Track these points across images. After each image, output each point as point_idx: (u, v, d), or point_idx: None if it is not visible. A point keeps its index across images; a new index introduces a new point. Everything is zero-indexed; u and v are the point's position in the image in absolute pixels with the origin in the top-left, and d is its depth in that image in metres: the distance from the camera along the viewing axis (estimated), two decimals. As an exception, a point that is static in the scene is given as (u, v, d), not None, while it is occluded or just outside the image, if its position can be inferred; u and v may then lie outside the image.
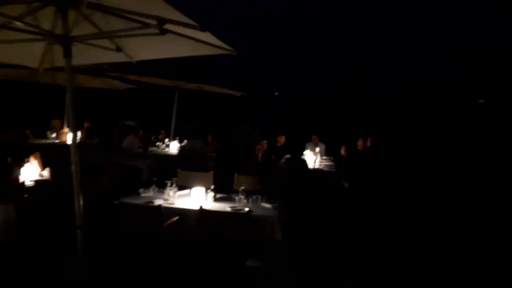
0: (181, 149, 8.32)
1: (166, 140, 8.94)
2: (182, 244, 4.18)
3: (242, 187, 4.82)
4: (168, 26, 2.86)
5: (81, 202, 3.29)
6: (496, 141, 12.22)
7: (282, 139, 9.06)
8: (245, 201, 4.71)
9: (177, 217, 4.31)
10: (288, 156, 7.06)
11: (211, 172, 5.61)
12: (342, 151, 7.59)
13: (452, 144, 13.40)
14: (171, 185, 4.82)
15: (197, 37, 3.17)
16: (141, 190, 4.85)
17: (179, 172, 5.63)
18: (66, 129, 8.84)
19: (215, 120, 11.63)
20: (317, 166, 7.58)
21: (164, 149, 8.68)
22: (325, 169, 7.54)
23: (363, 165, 7.10)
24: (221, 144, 7.96)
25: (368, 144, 8.22)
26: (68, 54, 3.12)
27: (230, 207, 4.51)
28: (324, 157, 8.60)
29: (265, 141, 7.75)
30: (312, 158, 7.67)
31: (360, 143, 8.34)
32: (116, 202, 4.46)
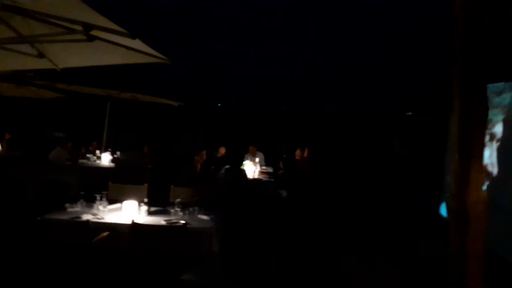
0: (116, 161, 8.05)
1: (97, 152, 8.57)
2: (113, 260, 4.02)
3: (178, 199, 4.76)
4: (96, 33, 2.78)
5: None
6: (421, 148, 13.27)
7: (222, 150, 9.10)
8: (181, 213, 4.65)
9: (107, 233, 4.14)
10: (227, 166, 7.11)
11: (145, 185, 5.46)
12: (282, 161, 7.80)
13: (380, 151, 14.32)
14: (101, 199, 4.63)
15: (128, 45, 3.11)
16: (67, 204, 4.59)
17: (110, 185, 5.41)
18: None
19: (151, 131, 11.36)
20: (256, 176, 7.69)
21: (95, 161, 8.31)
22: (264, 178, 7.67)
23: (300, 174, 7.35)
24: (157, 156, 7.80)
25: (305, 154, 8.55)
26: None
27: (165, 220, 4.42)
28: (264, 167, 8.75)
29: (204, 152, 7.72)
30: (252, 168, 7.78)
31: (298, 153, 8.66)
32: (39, 218, 4.18)
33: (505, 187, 5.51)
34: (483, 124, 2.62)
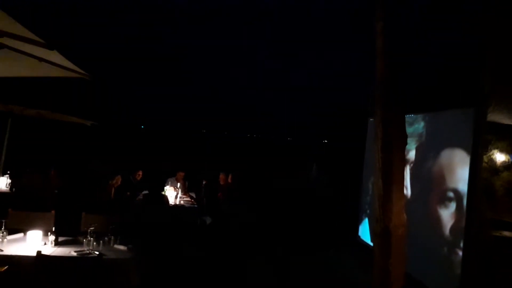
0: (17, 186, 7.30)
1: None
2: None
3: (91, 228, 4.43)
4: (5, 41, 2.55)
5: None
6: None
7: (139, 175, 8.72)
8: (94, 243, 4.33)
9: (5, 267, 3.69)
10: (146, 192, 6.84)
11: (52, 212, 5.01)
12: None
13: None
14: (-1, 228, 4.14)
15: (42, 56, 2.89)
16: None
17: (10, 213, 4.88)
18: None
19: (59, 152, 10.52)
20: (177, 202, 7.49)
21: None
22: (187, 204, 7.50)
23: (224, 200, 7.35)
24: (66, 180, 7.24)
25: (229, 180, 8.58)
26: None
27: (76, 251, 4.09)
28: (186, 193, 8.55)
29: (119, 176, 7.33)
30: (173, 194, 7.56)
31: (222, 177, 8.64)
32: None
33: (416, 208, 6.10)
34: (403, 152, 2.88)
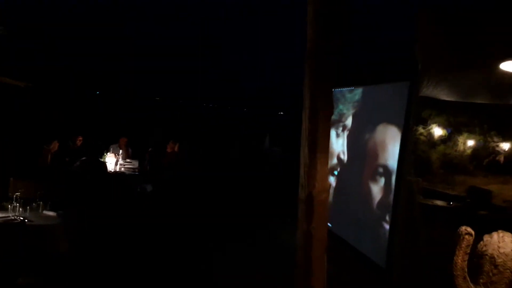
0: None
1: None
2: None
3: (17, 193, 4.28)
4: None
5: None
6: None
7: (78, 141, 8.43)
8: (21, 209, 4.20)
9: None
10: (84, 158, 6.65)
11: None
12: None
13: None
14: None
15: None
16: None
17: None
18: None
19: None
20: (118, 169, 7.37)
21: None
22: (127, 172, 7.39)
23: (168, 168, 7.31)
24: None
25: (176, 149, 8.53)
26: None
27: (1, 217, 3.96)
28: (128, 160, 8.41)
29: (55, 142, 7.05)
30: (113, 161, 7.41)
31: (170, 145, 8.57)
32: None
33: (350, 170, 6.41)
34: (328, 122, 2.99)
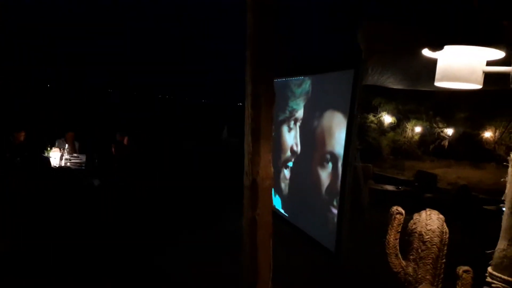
0: None
1: None
2: None
3: None
4: None
5: None
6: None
7: (21, 136, 8.05)
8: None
9: None
10: (26, 154, 6.40)
11: None
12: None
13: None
14: None
15: None
16: None
17: None
18: None
19: None
20: (63, 164, 7.12)
21: None
22: (74, 166, 7.17)
23: (117, 161, 7.16)
24: None
25: (125, 142, 8.36)
26: None
27: None
28: (75, 155, 8.14)
29: (-6, 136, 6.72)
30: (58, 155, 7.16)
31: (119, 138, 8.37)
32: None
33: (302, 158, 6.57)
34: (271, 109, 3.05)
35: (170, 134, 14.71)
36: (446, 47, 1.82)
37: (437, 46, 1.82)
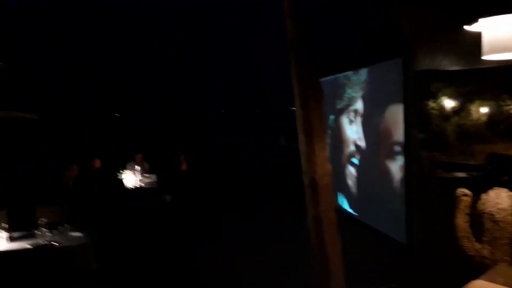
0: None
1: None
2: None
3: (43, 219, 4.51)
4: None
5: None
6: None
7: (96, 163, 8.70)
8: (49, 234, 4.43)
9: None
10: (102, 179, 6.91)
11: (4, 210, 5.02)
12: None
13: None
14: None
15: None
16: None
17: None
18: None
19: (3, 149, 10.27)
20: (137, 185, 7.59)
21: None
22: (146, 186, 7.61)
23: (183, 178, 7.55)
24: (15, 177, 7.19)
25: (183, 158, 8.78)
26: None
27: (31, 244, 4.18)
28: (146, 175, 8.64)
29: (74, 166, 7.31)
30: (132, 177, 7.64)
31: (180, 156, 8.79)
32: None
33: (370, 157, 6.41)
34: (320, 107, 3.08)
35: (228, 147, 15.00)
36: (489, 18, 1.76)
37: (476, 18, 1.77)
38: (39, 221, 4.55)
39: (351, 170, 7.08)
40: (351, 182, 7.13)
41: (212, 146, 13.62)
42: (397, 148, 5.55)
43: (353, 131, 6.88)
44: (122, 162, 8.84)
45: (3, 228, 4.33)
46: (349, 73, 6.73)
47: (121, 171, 7.81)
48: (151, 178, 8.28)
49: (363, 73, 6.42)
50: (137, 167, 8.39)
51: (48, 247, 3.96)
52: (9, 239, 4.30)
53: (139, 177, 8.02)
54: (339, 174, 7.10)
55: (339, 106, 7.25)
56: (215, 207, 7.90)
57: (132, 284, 4.78)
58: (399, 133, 5.49)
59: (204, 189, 7.07)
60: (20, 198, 6.35)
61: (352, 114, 6.86)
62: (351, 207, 7.23)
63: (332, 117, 7.63)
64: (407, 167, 5.22)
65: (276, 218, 7.52)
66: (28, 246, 4.12)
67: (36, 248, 4.03)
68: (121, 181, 6.98)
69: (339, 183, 7.14)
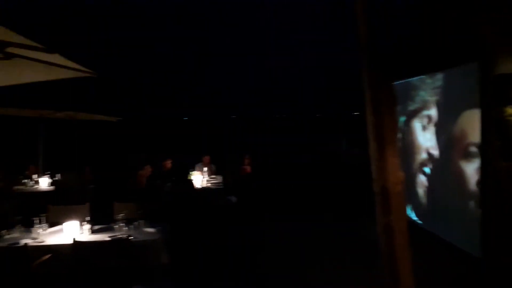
0: (56, 184, 7.84)
1: (35, 176, 8.25)
2: (54, 284, 3.97)
3: (121, 215, 4.78)
4: (13, 50, 2.81)
5: None
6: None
7: (168, 164, 9.10)
8: (125, 228, 4.69)
9: (48, 255, 4.09)
10: (173, 178, 7.18)
11: (87, 204, 5.41)
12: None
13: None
14: (40, 222, 4.55)
15: (48, 60, 3.11)
16: (3, 231, 4.47)
17: (49, 208, 5.31)
18: None
19: (91, 149, 11.09)
20: (204, 185, 7.82)
21: (32, 186, 8.01)
22: (213, 187, 7.81)
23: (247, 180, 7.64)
24: (98, 175, 7.71)
25: (248, 161, 8.90)
26: None
27: (109, 236, 4.45)
28: (213, 176, 8.87)
29: (148, 166, 7.70)
30: (200, 178, 7.89)
31: (246, 161, 8.95)
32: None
33: (443, 166, 6.04)
34: (393, 113, 2.94)
35: (292, 150, 14.96)
36: None
37: None
38: (117, 216, 4.85)
39: (422, 179, 6.71)
40: (421, 191, 6.77)
41: (277, 150, 13.70)
42: (473, 157, 5.17)
43: (426, 138, 6.51)
44: (191, 163, 9.19)
45: (86, 221, 4.67)
46: (423, 77, 6.40)
47: (190, 172, 8.09)
48: (217, 179, 8.50)
49: (437, 78, 6.07)
50: (205, 168, 8.65)
51: (125, 240, 4.18)
52: (90, 230, 4.62)
53: (207, 177, 8.26)
54: (408, 182, 6.77)
55: (411, 108, 6.92)
56: (278, 210, 7.92)
57: (200, 279, 4.93)
58: (475, 142, 5.12)
59: (268, 192, 7.11)
60: (100, 194, 6.80)
61: (425, 119, 6.51)
62: (417, 216, 6.87)
63: (402, 118, 7.31)
64: (483, 178, 4.85)
65: (340, 225, 7.36)
66: (107, 238, 4.39)
67: (114, 240, 4.27)
68: (190, 181, 7.21)
69: (407, 191, 6.80)
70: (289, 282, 4.92)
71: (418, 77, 6.51)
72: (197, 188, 7.56)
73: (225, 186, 7.85)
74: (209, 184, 7.97)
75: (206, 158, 9.21)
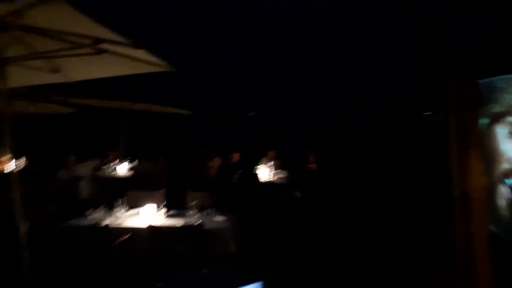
0: (134, 170, 8.33)
1: (116, 161, 8.80)
2: (131, 263, 4.21)
3: (194, 203, 4.94)
4: (103, 46, 3.00)
5: (24, 224, 3.26)
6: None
7: (236, 157, 9.27)
8: (197, 216, 4.84)
9: (128, 235, 4.34)
10: (241, 171, 7.31)
11: (163, 190, 5.67)
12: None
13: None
14: (120, 206, 4.85)
15: (133, 55, 3.30)
16: (87, 212, 4.84)
17: (128, 193, 5.64)
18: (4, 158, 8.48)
19: (164, 139, 11.64)
20: (270, 179, 7.86)
21: (111, 172, 8.57)
22: (278, 181, 7.82)
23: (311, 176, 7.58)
24: (170, 164, 8.07)
25: (312, 159, 8.77)
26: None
27: (183, 222, 4.62)
28: (279, 170, 8.89)
29: (217, 158, 7.91)
30: (266, 172, 7.94)
31: (311, 159, 8.86)
32: (61, 225, 4.42)
33: None
34: (476, 112, 2.72)
35: (360, 150, 14.47)
36: None
37: None
38: (190, 204, 5.03)
39: (503, 191, 6.12)
40: (502, 203, 6.19)
41: (345, 148, 13.37)
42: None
43: (510, 147, 5.92)
44: (258, 157, 9.28)
45: (162, 206, 4.90)
46: (510, 76, 5.79)
47: (257, 166, 8.18)
48: (282, 174, 8.50)
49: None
50: (270, 163, 8.69)
51: (197, 227, 4.31)
52: (166, 215, 4.84)
53: (272, 172, 8.29)
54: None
55: (494, 110, 6.32)
56: (343, 208, 7.72)
57: (265, 269, 4.96)
58: None
59: (333, 190, 6.99)
60: (176, 182, 7.09)
61: (511, 126, 5.91)
62: (498, 230, 6.30)
63: (484, 121, 6.73)
64: None
65: (410, 228, 7.01)
66: (181, 224, 4.56)
67: (187, 226, 4.43)
68: (256, 174, 7.29)
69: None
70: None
71: (505, 76, 5.92)
72: (263, 182, 7.62)
73: (290, 182, 7.82)
74: (274, 178, 7.99)
75: (271, 153, 9.24)
